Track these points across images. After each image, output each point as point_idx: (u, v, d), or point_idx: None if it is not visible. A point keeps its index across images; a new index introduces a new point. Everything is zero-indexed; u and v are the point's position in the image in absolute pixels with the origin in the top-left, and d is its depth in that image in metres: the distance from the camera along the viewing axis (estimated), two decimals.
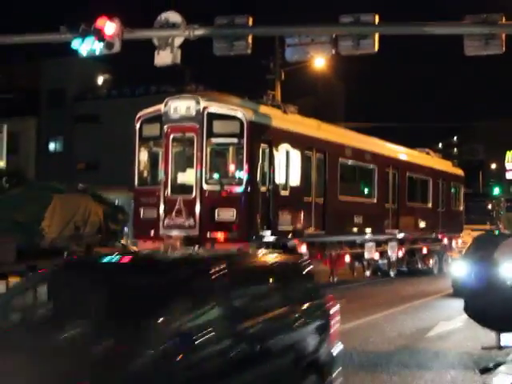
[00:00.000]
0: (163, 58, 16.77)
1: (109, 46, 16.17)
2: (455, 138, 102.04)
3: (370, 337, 14.76)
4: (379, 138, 27.31)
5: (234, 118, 17.83)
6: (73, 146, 63.36)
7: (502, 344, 11.60)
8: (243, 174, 17.82)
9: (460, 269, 18.17)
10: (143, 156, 19.16)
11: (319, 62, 34.22)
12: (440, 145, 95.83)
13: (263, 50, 33.62)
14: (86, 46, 16.17)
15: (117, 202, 28.29)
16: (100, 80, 65.06)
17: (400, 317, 17.64)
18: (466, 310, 11.87)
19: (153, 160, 19.09)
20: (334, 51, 16.77)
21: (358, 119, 49.62)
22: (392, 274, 27.21)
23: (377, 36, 16.26)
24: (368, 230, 23.94)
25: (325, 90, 74.69)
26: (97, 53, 16.31)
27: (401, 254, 26.93)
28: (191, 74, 53.27)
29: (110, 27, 16.01)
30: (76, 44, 16.28)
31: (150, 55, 17.01)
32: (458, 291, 18.83)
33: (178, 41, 16.68)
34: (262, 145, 18.32)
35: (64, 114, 64.41)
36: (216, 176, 18.45)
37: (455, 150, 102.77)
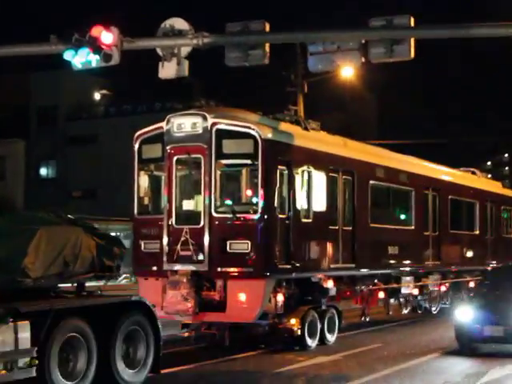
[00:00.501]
0: (168, 70, 16.80)
1: (106, 57, 16.19)
2: (506, 155, 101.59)
3: None
4: (417, 156, 27.25)
5: (247, 135, 17.82)
6: (67, 170, 63.74)
7: None
8: (258, 200, 17.78)
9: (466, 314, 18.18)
10: (143, 181, 19.21)
11: (347, 71, 34.25)
12: (489, 163, 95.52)
13: (283, 59, 33.72)
14: (80, 58, 16.20)
15: (117, 234, 28.36)
16: (97, 96, 65.47)
17: (445, 362, 17.49)
18: None
19: (154, 185, 19.15)
20: (363, 59, 16.74)
21: (392, 136, 49.44)
22: (433, 310, 27.01)
23: (412, 41, 16.24)
24: (405, 261, 23.82)
25: (354, 103, 74.77)
26: (93, 65, 16.34)
27: (444, 288, 26.73)
28: (201, 88, 53.63)
29: (106, 36, 16.03)
30: (69, 56, 16.28)
31: (154, 68, 17.01)
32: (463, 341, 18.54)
33: (185, 50, 16.73)
34: (280, 166, 18.31)
35: (56, 135, 64.80)
36: (227, 202, 18.43)
37: (506, 168, 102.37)
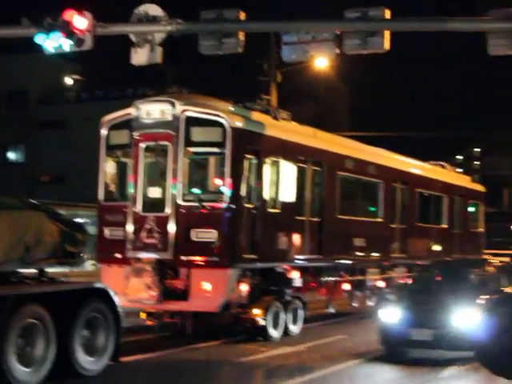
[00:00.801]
0: (141, 56, 16.80)
1: (79, 42, 16.12)
2: (476, 149, 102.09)
3: (373, 375, 14.78)
4: (389, 149, 27.26)
5: (215, 123, 17.70)
6: (36, 155, 63.15)
7: None
8: (226, 189, 17.66)
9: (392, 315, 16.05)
10: (110, 167, 19.06)
11: (321, 62, 34.16)
12: (459, 158, 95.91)
13: (257, 48, 33.58)
14: (52, 42, 16.06)
15: (85, 220, 28.07)
16: (68, 81, 64.84)
17: (411, 354, 17.21)
18: (477, 357, 12.08)
19: (121, 172, 18.97)
20: (337, 50, 16.84)
21: (365, 128, 49.50)
22: None
23: (387, 33, 16.27)
24: (371, 253, 23.84)
25: (327, 94, 74.70)
26: (65, 50, 16.21)
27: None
28: (174, 75, 53.22)
29: (79, 21, 15.90)
30: (40, 39, 16.16)
31: (127, 53, 16.97)
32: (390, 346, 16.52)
33: (159, 37, 16.71)
34: (248, 155, 18.21)
35: (26, 119, 64.15)
36: (194, 191, 18.30)
37: (476, 163, 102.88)
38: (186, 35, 17.27)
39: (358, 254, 23.13)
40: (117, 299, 14.26)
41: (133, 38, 16.73)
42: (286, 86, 36.71)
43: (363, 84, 77.77)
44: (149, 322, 19.13)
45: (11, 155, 65.12)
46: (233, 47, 16.85)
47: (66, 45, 16.08)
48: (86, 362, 13.28)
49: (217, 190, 18.25)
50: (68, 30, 15.84)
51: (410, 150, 32.51)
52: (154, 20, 16.59)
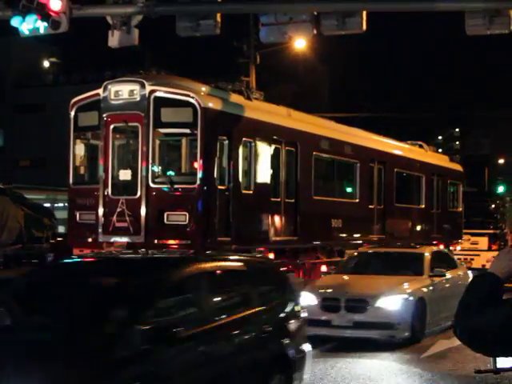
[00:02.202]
0: (118, 38, 16.59)
1: (55, 24, 15.78)
2: (457, 129, 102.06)
3: (358, 357, 14.77)
4: (370, 130, 26.92)
5: (186, 103, 17.27)
6: (14, 139, 62.53)
7: (499, 366, 11.34)
8: (197, 171, 17.27)
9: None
10: (79, 149, 18.65)
11: (300, 43, 33.76)
12: (440, 138, 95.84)
13: (236, 30, 33.22)
14: (27, 25, 15.78)
15: (65, 204, 27.60)
16: (46, 64, 64.20)
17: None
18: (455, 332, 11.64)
19: (91, 154, 18.57)
20: (315, 31, 16.61)
21: (345, 109, 49.17)
22: None
23: (365, 13, 16.18)
24: (349, 234, 23.48)
25: (307, 75, 74.25)
26: (41, 32, 15.92)
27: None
28: (153, 57, 52.75)
29: (55, 3, 15.55)
30: (16, 22, 15.83)
31: (105, 36, 16.75)
32: None
33: (136, 19, 16.51)
34: (220, 136, 17.81)
35: (3, 103, 63.49)
36: (165, 173, 17.89)
37: (457, 143, 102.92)
38: (163, 17, 17.06)
39: (335, 235, 22.77)
40: None
41: (109, 20, 16.50)
42: (267, 67, 36.39)
43: (343, 65, 77.20)
44: None
45: None
46: (210, 29, 16.65)
47: (42, 27, 15.78)
48: None
49: (188, 171, 17.85)
50: (43, 13, 15.52)
51: (391, 131, 32.29)
52: (130, 2, 16.40)
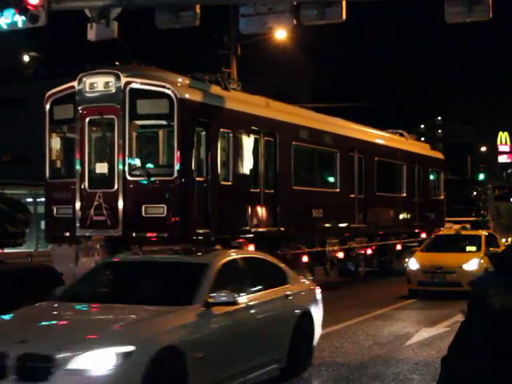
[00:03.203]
0: (97, 32, 16.57)
1: (33, 18, 15.69)
2: (439, 118, 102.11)
3: (341, 347, 14.49)
4: (352, 120, 26.75)
5: (161, 95, 17.02)
6: None
7: None
8: (174, 163, 17.03)
9: None
10: (55, 143, 18.36)
11: (281, 34, 33.51)
12: (422, 126, 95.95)
13: (217, 21, 32.96)
14: (5, 19, 15.76)
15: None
16: (25, 58, 63.62)
17: (374, 324, 17.30)
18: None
19: (67, 148, 18.29)
20: (294, 21, 16.57)
21: (327, 99, 49.00)
22: (360, 273, 26.70)
23: (344, 3, 16.07)
24: (330, 224, 23.32)
25: (288, 66, 74.01)
26: (19, 26, 15.85)
27: (370, 251, 26.34)
28: (134, 50, 52.42)
29: None
30: None
31: (84, 29, 16.67)
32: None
33: (114, 12, 16.42)
34: (198, 127, 17.58)
35: None
36: (142, 165, 17.63)
37: (439, 131, 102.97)
38: (142, 9, 17.03)
39: (315, 225, 22.59)
40: (63, 280, 13.66)
41: (88, 13, 16.38)
42: (249, 58, 36.14)
43: (324, 55, 77.07)
44: None
45: None
46: (190, 20, 16.56)
47: (20, 21, 15.75)
48: None
49: (165, 163, 17.62)
50: (21, 6, 15.42)
51: (373, 121, 32.07)
52: None
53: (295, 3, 16.27)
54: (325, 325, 15.82)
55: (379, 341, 15.21)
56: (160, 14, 16.38)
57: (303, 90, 73.59)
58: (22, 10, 15.39)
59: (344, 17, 16.05)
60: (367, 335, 15.83)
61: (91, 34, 16.59)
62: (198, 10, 16.38)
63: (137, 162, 17.57)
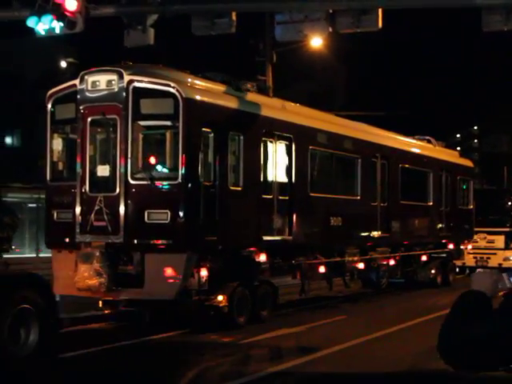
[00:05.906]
0: (134, 38, 16.53)
1: (70, 24, 15.62)
2: (475, 127, 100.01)
3: (375, 357, 13.69)
4: (387, 128, 25.43)
5: (166, 94, 15.75)
6: (33, 140, 61.44)
7: None
8: (179, 166, 15.72)
9: None
10: (57, 144, 17.22)
11: (317, 41, 32.35)
12: (458, 136, 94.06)
13: (253, 28, 31.94)
14: (43, 25, 15.59)
15: None
16: (63, 64, 63.05)
17: (405, 335, 16.50)
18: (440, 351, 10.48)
19: (69, 149, 17.11)
20: (330, 29, 16.41)
21: (362, 107, 47.60)
22: (382, 285, 25.24)
23: (380, 11, 15.91)
24: (349, 233, 21.81)
25: (324, 74, 72.70)
26: (57, 32, 15.81)
27: (393, 262, 24.73)
28: (169, 57, 51.52)
29: (70, 3, 15.39)
30: (32, 23, 15.66)
31: (121, 35, 16.56)
32: None
33: (151, 19, 16.35)
34: (205, 129, 16.28)
35: (23, 104, 62.48)
36: (145, 168, 16.35)
37: (475, 141, 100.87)
38: (178, 16, 16.89)
39: (333, 233, 21.08)
40: (51, 288, 12.59)
41: (124, 19, 16.36)
42: (284, 66, 35.13)
43: (361, 63, 75.54)
44: (106, 311, 17.34)
45: (8, 140, 63.66)
46: (225, 27, 16.46)
47: (57, 27, 15.62)
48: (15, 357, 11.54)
49: (170, 166, 16.35)
50: (59, 13, 15.40)
51: (409, 129, 30.70)
52: (145, 1, 16.35)
53: (331, 11, 16.20)
54: (349, 337, 15.09)
55: (412, 351, 14.16)
56: (196, 21, 16.36)
57: (338, 98, 72.25)
58: (60, 16, 15.44)
59: (380, 25, 15.95)
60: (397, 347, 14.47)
61: (128, 41, 16.52)
62: (233, 17, 16.31)
63: (140, 165, 16.30)
